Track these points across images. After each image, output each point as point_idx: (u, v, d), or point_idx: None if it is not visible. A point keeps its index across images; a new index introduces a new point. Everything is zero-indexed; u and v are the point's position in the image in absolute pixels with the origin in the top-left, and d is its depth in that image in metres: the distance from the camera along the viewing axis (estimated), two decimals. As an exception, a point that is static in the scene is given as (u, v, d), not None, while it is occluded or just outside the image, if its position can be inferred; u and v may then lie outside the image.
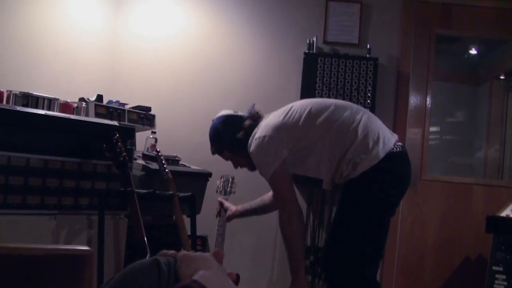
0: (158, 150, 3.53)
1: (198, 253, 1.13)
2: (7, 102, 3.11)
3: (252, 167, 3.20)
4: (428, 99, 4.92)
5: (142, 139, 4.02)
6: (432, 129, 5.48)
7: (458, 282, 4.75)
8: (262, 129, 3.00)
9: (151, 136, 4.05)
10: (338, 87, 4.54)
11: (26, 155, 2.82)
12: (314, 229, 4.63)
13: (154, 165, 3.50)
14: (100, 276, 2.96)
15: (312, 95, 4.43)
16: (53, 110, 3.22)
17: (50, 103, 3.24)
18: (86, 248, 1.94)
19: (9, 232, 2.74)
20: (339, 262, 2.90)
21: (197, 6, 4.96)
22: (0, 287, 1.70)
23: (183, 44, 4.94)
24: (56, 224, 2.97)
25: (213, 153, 3.30)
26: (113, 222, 3.20)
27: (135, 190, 3.03)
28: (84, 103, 3.52)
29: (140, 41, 5.00)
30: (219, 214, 3.45)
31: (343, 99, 4.37)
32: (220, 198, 3.44)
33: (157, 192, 3.24)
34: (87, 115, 3.45)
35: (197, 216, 3.58)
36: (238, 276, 1.16)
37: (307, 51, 4.62)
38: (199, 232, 3.66)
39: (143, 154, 3.74)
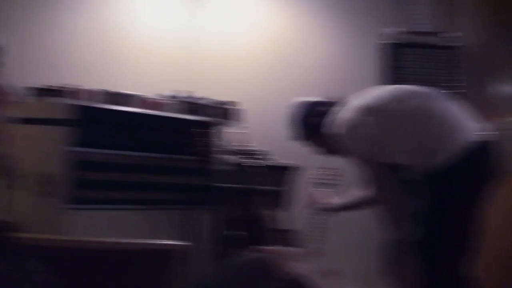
0: (246, 144, 3.52)
1: (291, 249, 1.11)
2: (96, 100, 3.17)
3: (333, 152, 3.13)
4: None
5: (230, 134, 4.02)
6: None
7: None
8: (350, 111, 2.94)
9: (238, 131, 4.05)
10: (418, 76, 4.41)
11: (116, 152, 2.88)
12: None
13: (242, 160, 3.50)
14: (192, 270, 2.99)
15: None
16: (139, 107, 3.25)
17: (136, 100, 3.28)
18: (176, 242, 1.96)
19: (107, 226, 2.81)
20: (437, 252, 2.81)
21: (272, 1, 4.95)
22: (101, 279, 1.74)
23: (262, 38, 4.91)
24: (147, 218, 3.02)
25: (294, 139, 3.22)
26: (203, 216, 3.22)
27: (226, 185, 3.03)
28: (168, 99, 3.55)
29: (222, 35, 4.99)
30: (312, 207, 3.37)
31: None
32: (317, 195, 3.37)
33: (247, 186, 3.23)
34: (172, 111, 3.48)
35: (287, 210, 3.55)
36: (335, 271, 1.14)
37: (385, 41, 4.50)
38: (288, 226, 3.64)
39: (232, 149, 3.75)
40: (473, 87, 4.57)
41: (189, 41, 4.95)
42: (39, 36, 3.89)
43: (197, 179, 3.17)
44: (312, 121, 3.07)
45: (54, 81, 3.24)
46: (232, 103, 3.96)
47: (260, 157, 3.78)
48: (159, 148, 3.04)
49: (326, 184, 3.43)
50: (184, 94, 3.77)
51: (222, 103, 3.91)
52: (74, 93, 3.10)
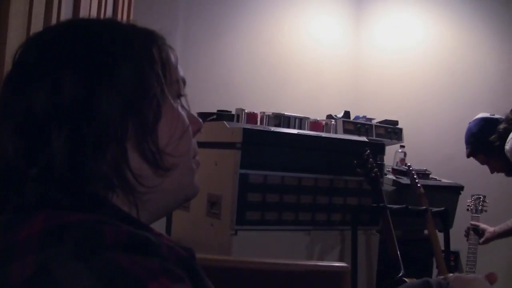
0: (408, 164, 3.46)
1: (472, 275, 1.07)
2: (261, 123, 3.26)
3: (509, 172, 3.10)
4: None
5: (390, 153, 3.97)
6: None
7: None
8: None
9: (399, 150, 3.99)
10: None
11: (280, 174, 2.93)
12: None
13: (405, 180, 3.44)
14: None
15: None
16: (304, 129, 3.30)
17: (301, 122, 3.33)
18: (343, 264, 1.95)
19: (266, 247, 2.87)
20: None
21: (437, 18, 4.81)
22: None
23: (426, 56, 4.82)
24: (310, 239, 3.04)
25: (468, 156, 3.24)
26: (365, 237, 3.20)
27: (387, 205, 2.99)
28: (332, 120, 3.57)
29: (382, 55, 4.98)
30: (467, 235, 3.31)
31: None
32: (473, 221, 3.31)
33: (409, 207, 3.17)
34: (335, 132, 3.49)
35: (449, 231, 3.45)
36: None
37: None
38: (450, 248, 3.52)
39: (393, 169, 3.70)
40: None
41: (352, 60, 4.98)
42: (211, 64, 4.08)
43: (363, 200, 3.15)
44: (488, 138, 3.02)
45: (227, 106, 3.39)
46: (394, 122, 3.91)
47: (424, 176, 3.70)
48: (325, 168, 3.07)
49: (476, 209, 3.38)
50: (349, 114, 3.78)
51: (385, 122, 3.87)
52: (247, 117, 3.21)
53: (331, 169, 3.09)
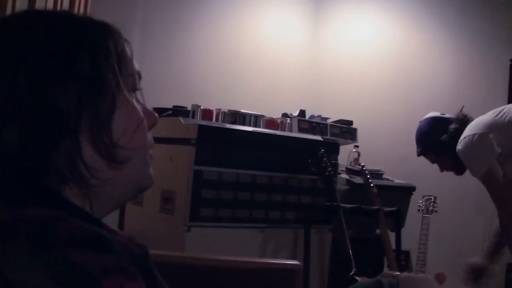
0: (362, 164, 3.49)
1: (421, 275, 1.08)
2: (217, 120, 3.25)
3: (458, 171, 3.10)
4: None
5: (345, 153, 4.01)
6: None
7: None
8: (472, 127, 2.86)
9: (353, 150, 4.03)
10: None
11: (235, 171, 2.93)
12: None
13: (358, 179, 3.48)
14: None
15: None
16: (259, 127, 3.31)
17: (256, 119, 3.34)
18: (296, 262, 1.95)
19: (220, 244, 2.87)
20: None
21: (393, 20, 4.88)
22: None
23: (381, 58, 4.87)
24: (263, 237, 3.05)
25: (418, 154, 3.22)
26: (318, 236, 3.22)
27: (341, 204, 3.02)
28: (288, 118, 3.59)
29: (339, 55, 5.02)
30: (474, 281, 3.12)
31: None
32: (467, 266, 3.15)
33: (362, 206, 3.20)
34: (290, 130, 3.51)
35: (401, 231, 3.50)
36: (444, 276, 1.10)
37: (514, 60, 4.30)
38: (401, 247, 3.57)
39: (347, 168, 3.73)
40: None
41: (309, 60, 5.00)
42: (168, 59, 4.05)
43: (316, 199, 3.17)
44: (438, 137, 3.03)
45: (183, 102, 3.37)
46: (349, 122, 3.95)
47: (377, 177, 3.74)
48: (279, 167, 3.08)
49: (426, 210, 3.42)
50: (305, 113, 3.80)
51: (340, 121, 3.90)
52: (203, 113, 3.20)
53: (286, 167, 3.11)
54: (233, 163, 2.93)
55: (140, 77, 0.89)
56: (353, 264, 2.90)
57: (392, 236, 3.37)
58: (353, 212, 3.17)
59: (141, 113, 0.86)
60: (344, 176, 3.57)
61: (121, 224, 3.25)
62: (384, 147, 4.68)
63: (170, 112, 3.14)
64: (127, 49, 0.87)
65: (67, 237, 0.65)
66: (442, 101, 4.58)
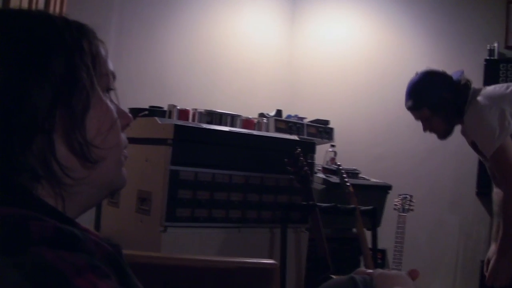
0: (338, 163, 3.51)
1: (394, 272, 1.10)
2: (193, 120, 3.25)
3: (443, 135, 2.95)
4: None
5: (321, 152, 4.03)
6: None
7: None
8: (488, 98, 2.77)
9: (330, 150, 4.06)
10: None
11: (211, 171, 2.93)
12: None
13: (334, 179, 3.50)
14: (286, 289, 3.00)
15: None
16: (236, 127, 3.31)
17: (232, 119, 3.35)
18: (272, 261, 1.96)
19: (196, 244, 2.87)
20: None
21: (369, 20, 4.91)
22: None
23: (358, 58, 4.91)
24: (240, 236, 3.05)
25: (408, 108, 3.03)
26: (294, 235, 3.23)
27: (317, 203, 3.03)
28: (264, 118, 3.60)
29: (316, 55, 5.05)
30: None
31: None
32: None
33: (338, 205, 3.22)
34: (267, 130, 3.52)
35: (377, 230, 3.53)
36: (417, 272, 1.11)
37: (488, 58, 4.34)
38: (378, 246, 3.60)
39: (323, 168, 3.75)
40: None
41: (285, 60, 5.02)
42: (144, 60, 4.04)
43: (293, 198, 3.19)
44: (439, 92, 2.91)
45: (159, 102, 3.36)
46: (326, 121, 3.97)
47: (354, 176, 3.77)
48: (256, 166, 3.09)
49: (403, 208, 3.44)
50: (281, 113, 3.82)
51: (316, 121, 3.92)
52: (179, 113, 3.19)
53: (262, 167, 3.11)
54: (209, 163, 2.93)
55: (114, 77, 0.89)
56: (330, 263, 2.92)
57: (368, 235, 3.40)
58: (330, 211, 3.18)
59: (115, 113, 0.86)
60: (321, 175, 3.59)
61: (97, 225, 3.24)
62: (360, 146, 4.72)
63: (146, 112, 3.13)
64: (102, 49, 0.87)
65: (39, 236, 0.65)
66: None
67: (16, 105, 0.74)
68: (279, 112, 3.79)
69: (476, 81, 4.32)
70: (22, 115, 0.74)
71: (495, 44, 4.30)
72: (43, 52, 0.78)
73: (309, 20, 5.12)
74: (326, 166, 3.78)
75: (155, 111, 3.15)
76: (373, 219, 3.44)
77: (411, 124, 4.60)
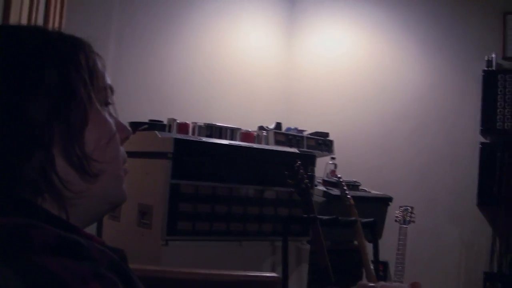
0: (338, 175, 3.51)
1: (397, 284, 1.09)
2: (193, 133, 3.26)
3: None
4: None
5: (321, 165, 4.03)
6: None
7: None
8: None
9: (330, 162, 4.05)
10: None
11: (211, 184, 2.93)
12: (500, 254, 4.35)
13: (335, 191, 3.49)
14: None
15: (494, 114, 4.16)
16: (235, 140, 3.32)
17: (232, 132, 3.35)
18: (274, 274, 1.96)
19: (198, 257, 2.86)
20: None
21: (367, 33, 4.93)
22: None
23: (356, 70, 4.92)
24: (241, 250, 3.05)
25: None
26: (295, 248, 3.23)
27: (318, 216, 3.03)
28: (264, 131, 3.60)
29: (314, 68, 5.06)
30: None
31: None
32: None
33: (339, 218, 3.21)
34: (267, 143, 3.52)
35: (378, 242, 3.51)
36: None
37: (486, 69, 4.34)
38: (379, 258, 3.59)
39: (324, 180, 3.75)
40: None
41: (284, 72, 5.04)
42: (144, 73, 4.05)
43: (293, 211, 3.18)
44: None
45: (159, 116, 3.36)
46: (325, 134, 3.97)
47: (354, 188, 3.76)
48: (256, 179, 3.08)
49: (404, 220, 3.44)
50: (281, 126, 3.82)
51: (316, 134, 3.93)
52: (179, 127, 3.20)
53: (262, 179, 3.11)
54: (209, 176, 2.93)
55: (112, 91, 0.89)
56: (331, 276, 2.91)
57: (370, 247, 3.39)
58: (330, 224, 3.17)
59: (114, 127, 0.86)
60: (321, 188, 3.58)
61: (98, 239, 3.22)
62: (360, 158, 4.71)
63: (146, 126, 3.13)
64: (99, 63, 0.87)
65: (42, 244, 0.65)
66: (416, 113, 4.63)
67: (13, 120, 0.74)
68: (278, 125, 3.79)
69: (475, 91, 4.35)
70: (19, 129, 0.74)
71: (493, 55, 4.30)
72: (36, 63, 0.78)
73: (307, 34, 5.14)
74: (327, 179, 3.78)
75: (155, 125, 3.16)
76: (374, 231, 3.43)
77: (410, 135, 4.64)
